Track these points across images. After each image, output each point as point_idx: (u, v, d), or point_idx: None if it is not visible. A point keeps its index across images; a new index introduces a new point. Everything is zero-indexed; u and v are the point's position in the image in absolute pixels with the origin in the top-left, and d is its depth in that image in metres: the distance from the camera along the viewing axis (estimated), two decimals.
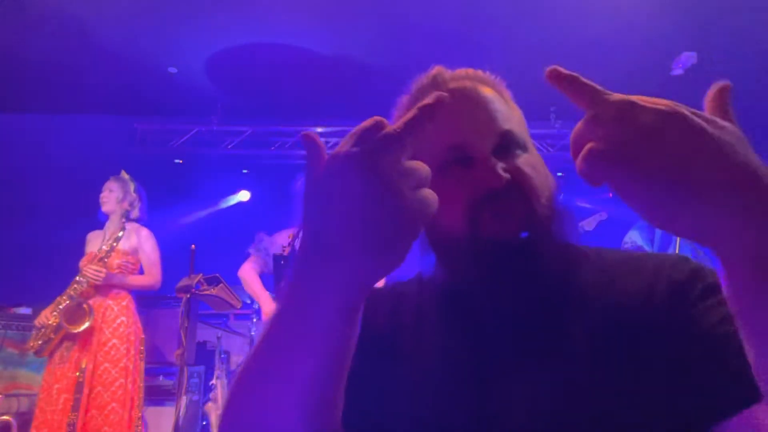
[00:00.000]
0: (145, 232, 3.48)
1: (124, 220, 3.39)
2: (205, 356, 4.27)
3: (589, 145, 0.46)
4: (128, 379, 3.19)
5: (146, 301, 3.96)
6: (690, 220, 0.44)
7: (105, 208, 3.46)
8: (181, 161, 5.65)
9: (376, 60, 4.56)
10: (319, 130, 5.66)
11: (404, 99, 0.81)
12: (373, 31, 4.28)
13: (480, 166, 0.69)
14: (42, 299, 3.53)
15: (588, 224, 4.00)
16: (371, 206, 0.46)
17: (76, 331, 3.13)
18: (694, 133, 0.43)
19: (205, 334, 4.37)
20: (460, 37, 4.16)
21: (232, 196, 5.91)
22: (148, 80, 5.03)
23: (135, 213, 3.48)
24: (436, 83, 0.77)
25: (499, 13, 3.98)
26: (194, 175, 5.61)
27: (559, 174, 5.49)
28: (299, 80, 4.94)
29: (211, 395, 3.73)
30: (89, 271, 3.20)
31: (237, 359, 4.26)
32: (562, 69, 0.49)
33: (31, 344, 3.24)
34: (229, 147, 5.61)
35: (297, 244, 2.80)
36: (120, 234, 3.33)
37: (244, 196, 5.90)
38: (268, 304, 3.31)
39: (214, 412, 3.59)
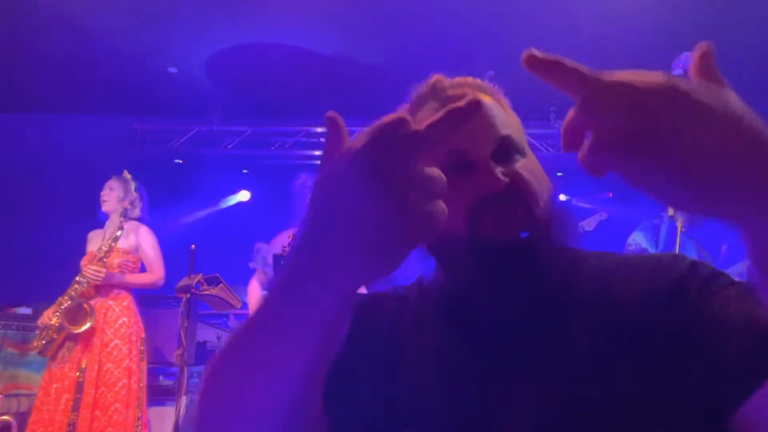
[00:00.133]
0: (144, 230, 3.47)
1: (122, 219, 3.39)
2: (205, 356, 4.27)
3: (590, 139, 0.44)
4: (131, 380, 3.19)
5: (146, 301, 3.96)
6: (706, 195, 0.42)
7: (105, 207, 3.46)
8: (181, 161, 5.66)
9: (376, 60, 4.56)
10: (319, 130, 5.66)
11: (405, 107, 0.81)
12: (373, 31, 4.29)
13: (479, 170, 0.70)
14: (42, 299, 3.54)
15: (588, 224, 4.00)
16: (373, 208, 0.44)
17: (77, 331, 3.13)
18: (697, 109, 0.42)
19: (205, 334, 4.37)
20: (460, 37, 4.16)
21: (232, 196, 5.91)
22: (148, 80, 5.03)
23: (135, 212, 3.48)
24: (435, 91, 0.78)
25: (499, 13, 3.98)
26: (194, 175, 5.61)
27: (559, 174, 5.49)
28: (299, 80, 4.94)
29: None
30: (89, 271, 3.20)
31: None
32: (539, 52, 0.45)
33: (35, 344, 3.25)
34: (229, 147, 5.61)
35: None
36: (118, 233, 3.33)
37: (244, 196, 5.90)
38: None
39: None
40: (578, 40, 4.10)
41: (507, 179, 0.69)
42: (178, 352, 3.07)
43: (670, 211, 3.18)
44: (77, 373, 3.10)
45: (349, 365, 0.71)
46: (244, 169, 5.88)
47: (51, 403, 3.07)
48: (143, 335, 3.38)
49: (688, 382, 0.61)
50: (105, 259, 3.28)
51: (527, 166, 0.73)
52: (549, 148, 5.39)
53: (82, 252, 3.47)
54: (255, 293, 3.39)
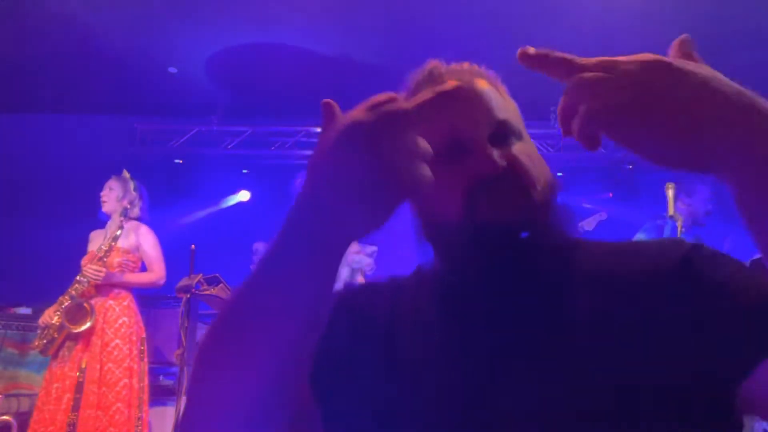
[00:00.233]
0: (144, 229, 3.47)
1: (122, 218, 3.39)
2: None
3: (583, 106, 0.49)
4: (133, 379, 3.19)
5: (146, 301, 3.96)
6: (697, 152, 0.47)
7: (105, 208, 3.46)
8: (181, 161, 5.65)
9: (376, 60, 4.56)
10: (319, 130, 5.65)
11: (402, 95, 0.80)
12: (374, 31, 4.29)
13: (476, 153, 0.69)
14: (42, 299, 3.54)
15: (588, 224, 4.00)
16: (365, 167, 0.51)
17: (77, 330, 3.13)
18: (682, 74, 0.48)
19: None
20: (460, 37, 4.16)
21: (232, 196, 5.90)
22: (148, 80, 5.03)
23: (135, 212, 3.48)
24: (432, 77, 0.78)
25: (499, 14, 3.98)
26: (194, 175, 5.61)
27: (559, 174, 5.50)
28: (299, 80, 4.93)
29: None
30: (89, 270, 3.21)
31: None
32: (531, 49, 0.51)
33: (36, 344, 3.25)
34: (229, 147, 5.61)
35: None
36: (118, 232, 3.33)
37: (244, 196, 5.89)
38: None
39: None
40: (578, 40, 4.10)
41: (504, 162, 0.69)
42: (178, 352, 3.07)
43: (670, 211, 3.18)
44: (77, 373, 3.10)
45: (343, 353, 0.71)
46: (244, 169, 5.88)
47: (52, 402, 3.07)
48: (143, 335, 3.38)
49: (692, 360, 0.60)
50: (105, 259, 3.28)
51: (524, 150, 0.72)
52: (549, 148, 5.39)
53: (82, 252, 3.47)
54: None
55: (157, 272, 3.43)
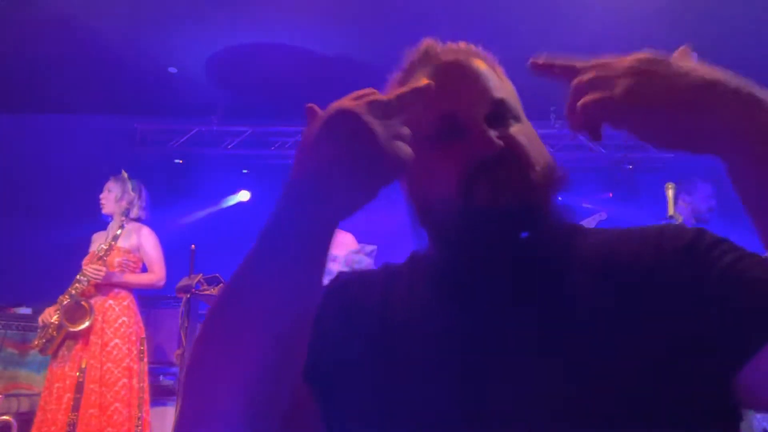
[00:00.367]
0: (145, 231, 3.48)
1: (123, 218, 3.40)
2: None
3: (587, 97, 0.54)
4: (132, 379, 3.18)
5: (146, 301, 3.96)
6: (696, 132, 0.53)
7: (105, 210, 3.47)
8: (181, 161, 5.65)
9: (376, 60, 4.56)
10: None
11: (397, 75, 0.81)
12: (374, 31, 4.29)
13: (473, 134, 0.67)
14: (42, 299, 3.54)
15: (588, 224, 3.98)
16: (347, 148, 0.54)
17: (76, 329, 3.14)
18: (677, 65, 0.54)
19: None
20: (460, 38, 4.16)
21: (232, 196, 5.90)
22: (148, 80, 5.03)
23: (135, 212, 3.48)
24: (427, 57, 0.77)
25: (499, 14, 3.98)
26: (194, 175, 5.60)
27: (564, 169, 5.47)
28: (299, 80, 4.93)
29: None
30: (89, 269, 3.21)
31: None
32: (541, 59, 0.57)
33: (36, 343, 3.25)
34: (229, 147, 5.60)
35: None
36: (118, 232, 3.33)
37: (244, 196, 5.89)
38: None
39: None
40: (579, 41, 4.10)
41: (501, 143, 0.66)
42: (178, 352, 3.07)
43: (670, 211, 3.18)
44: (77, 373, 3.10)
45: (337, 347, 0.69)
46: (244, 169, 5.87)
47: (53, 402, 3.08)
48: (143, 335, 3.38)
49: (692, 347, 0.59)
50: (105, 258, 3.28)
51: (523, 130, 0.71)
52: (549, 148, 5.36)
53: (82, 251, 3.48)
54: None
55: (157, 273, 3.43)
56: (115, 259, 3.34)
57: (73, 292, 3.22)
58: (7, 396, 3.79)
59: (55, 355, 3.20)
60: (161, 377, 4.05)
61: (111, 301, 3.27)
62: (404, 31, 4.40)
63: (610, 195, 5.49)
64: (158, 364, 3.98)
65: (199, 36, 4.40)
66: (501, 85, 0.73)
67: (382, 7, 3.97)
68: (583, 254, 0.69)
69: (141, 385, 3.27)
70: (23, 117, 5.47)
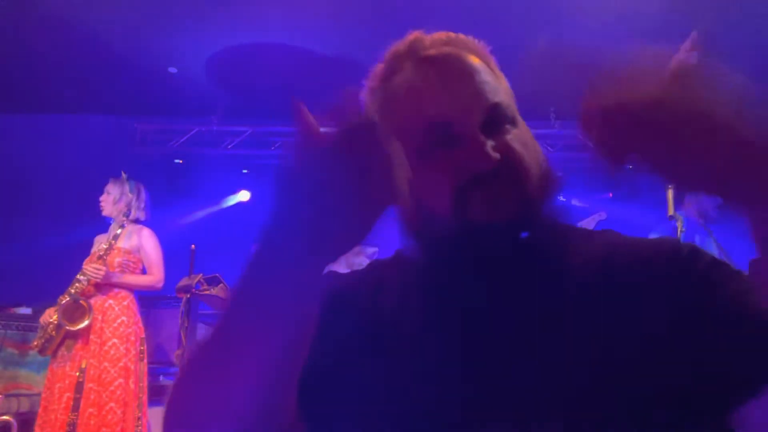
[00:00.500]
0: (146, 232, 3.48)
1: (123, 219, 3.40)
2: None
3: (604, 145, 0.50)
4: (129, 380, 3.18)
5: (146, 301, 3.96)
6: (706, 178, 0.46)
7: (104, 212, 3.47)
8: (181, 161, 5.65)
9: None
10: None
11: (379, 67, 0.75)
12: (374, 31, 4.29)
13: (467, 145, 0.63)
14: (42, 299, 3.54)
15: (587, 224, 4.00)
16: (341, 183, 0.50)
17: (75, 328, 3.13)
18: (694, 110, 0.45)
19: (205, 334, 4.37)
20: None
21: (232, 196, 5.90)
22: (148, 80, 5.03)
23: (134, 213, 3.48)
24: (413, 50, 0.71)
25: (499, 14, 3.98)
26: (194, 175, 5.60)
27: (559, 174, 5.48)
28: (299, 80, 4.94)
29: None
30: (89, 269, 3.21)
31: None
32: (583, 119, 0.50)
33: (35, 343, 3.25)
34: (229, 147, 5.61)
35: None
36: (118, 231, 3.34)
37: (244, 196, 5.89)
38: None
39: None
40: (579, 40, 4.10)
41: (497, 155, 0.62)
42: (178, 352, 3.07)
43: (670, 211, 3.17)
44: (77, 373, 3.10)
45: (326, 353, 0.66)
46: (244, 169, 5.88)
47: (55, 402, 3.08)
48: (143, 335, 3.38)
49: (687, 370, 0.57)
50: (105, 257, 3.28)
51: (519, 136, 0.66)
52: (549, 148, 5.39)
53: (82, 251, 3.48)
54: None
55: (156, 275, 3.43)
56: (115, 259, 3.34)
57: (73, 291, 3.22)
58: (7, 396, 3.79)
59: (54, 355, 3.19)
60: (161, 377, 4.05)
61: (111, 301, 3.27)
62: (405, 32, 4.40)
63: (610, 195, 5.49)
64: (158, 364, 3.98)
65: (199, 36, 4.40)
66: (496, 85, 0.68)
67: (382, 7, 3.97)
68: (575, 267, 0.66)
69: (141, 385, 3.27)
70: (23, 117, 5.47)
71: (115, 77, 4.94)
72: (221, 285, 3.29)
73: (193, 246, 3.23)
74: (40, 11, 4.05)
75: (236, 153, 5.64)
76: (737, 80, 0.45)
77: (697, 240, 3.36)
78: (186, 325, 3.13)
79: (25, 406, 3.73)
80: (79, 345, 3.16)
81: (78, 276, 3.25)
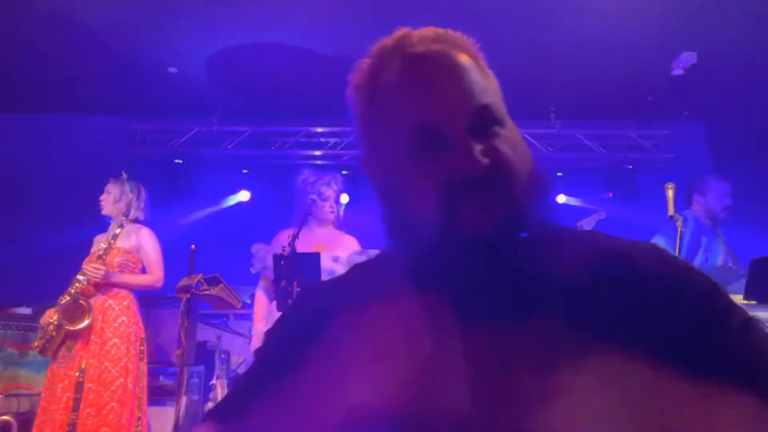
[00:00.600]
0: (145, 231, 3.48)
1: (123, 219, 3.40)
2: (205, 356, 4.27)
3: None
4: (128, 379, 3.18)
5: (146, 301, 3.96)
6: None
7: (104, 211, 3.48)
8: (181, 161, 5.66)
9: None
10: (319, 130, 5.66)
11: (365, 63, 0.73)
12: (374, 31, 4.28)
13: (455, 149, 0.61)
14: (42, 299, 3.54)
15: (587, 224, 3.99)
16: None
17: (75, 328, 3.13)
18: None
19: (205, 334, 4.37)
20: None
21: (232, 196, 5.90)
22: (148, 80, 5.03)
23: (134, 213, 3.48)
24: (400, 47, 0.69)
25: (499, 14, 3.98)
26: (194, 175, 5.61)
27: (559, 174, 5.49)
28: (299, 80, 4.94)
29: (211, 395, 3.73)
30: (89, 268, 3.21)
31: (237, 359, 4.26)
32: None
33: (36, 344, 3.25)
34: (229, 147, 5.62)
35: (296, 244, 2.80)
36: (117, 231, 3.34)
37: (244, 196, 5.89)
38: (257, 335, 3.30)
39: None
40: (579, 40, 4.10)
41: (486, 160, 0.60)
42: (178, 352, 3.06)
43: (670, 211, 3.17)
44: (77, 373, 3.10)
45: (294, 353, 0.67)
46: (244, 169, 5.88)
47: (55, 402, 3.08)
48: (143, 335, 3.38)
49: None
50: (104, 257, 3.28)
51: (507, 139, 0.63)
52: (549, 148, 5.39)
53: (82, 251, 3.48)
54: (261, 304, 3.32)
55: (155, 275, 3.44)
56: (115, 258, 3.34)
57: (73, 291, 3.22)
58: (7, 396, 3.79)
59: (55, 355, 3.19)
60: (161, 377, 4.05)
61: (111, 301, 3.27)
62: None
63: (610, 195, 5.50)
64: (158, 364, 3.98)
65: (199, 36, 4.41)
66: (484, 84, 0.66)
67: (383, 7, 3.96)
68: (565, 267, 0.64)
69: (141, 385, 3.27)
70: (23, 117, 5.47)
71: (115, 77, 4.94)
72: (221, 285, 3.28)
73: (193, 246, 3.22)
74: (40, 11, 4.06)
75: (236, 153, 5.65)
76: None
77: (705, 241, 3.34)
78: (186, 325, 3.12)
79: (25, 406, 3.73)
80: (79, 345, 3.16)
81: (78, 276, 3.25)
